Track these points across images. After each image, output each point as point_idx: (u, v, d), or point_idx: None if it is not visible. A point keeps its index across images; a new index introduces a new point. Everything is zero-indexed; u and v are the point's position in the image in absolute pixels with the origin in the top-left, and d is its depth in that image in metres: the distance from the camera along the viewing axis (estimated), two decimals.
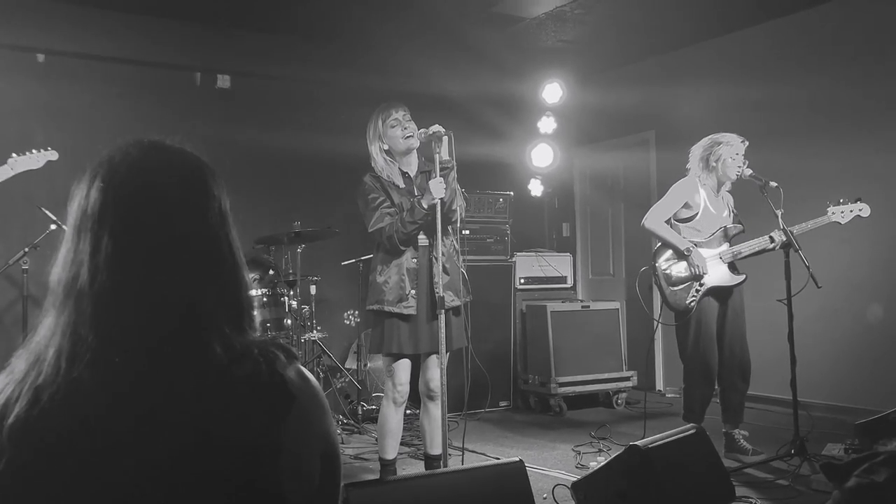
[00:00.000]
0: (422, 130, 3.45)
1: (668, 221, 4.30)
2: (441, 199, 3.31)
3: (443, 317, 3.31)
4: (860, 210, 4.09)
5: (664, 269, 4.24)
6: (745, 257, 4.21)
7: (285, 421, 0.95)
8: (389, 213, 3.44)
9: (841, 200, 4.10)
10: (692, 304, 4.14)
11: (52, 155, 4.30)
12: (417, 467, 4.17)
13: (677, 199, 4.26)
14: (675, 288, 4.20)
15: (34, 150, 4.28)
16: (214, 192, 1.05)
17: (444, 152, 3.36)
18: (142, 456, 0.89)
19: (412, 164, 3.59)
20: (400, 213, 3.43)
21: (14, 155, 4.21)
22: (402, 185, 3.52)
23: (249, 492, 0.92)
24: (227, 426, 0.92)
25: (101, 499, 0.89)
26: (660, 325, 4.99)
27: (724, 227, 4.24)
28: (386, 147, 3.51)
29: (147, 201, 0.99)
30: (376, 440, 4.82)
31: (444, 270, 3.43)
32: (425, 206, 3.34)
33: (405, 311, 3.42)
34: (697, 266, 4.12)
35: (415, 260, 3.47)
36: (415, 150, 3.56)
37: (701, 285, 4.14)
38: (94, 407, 0.91)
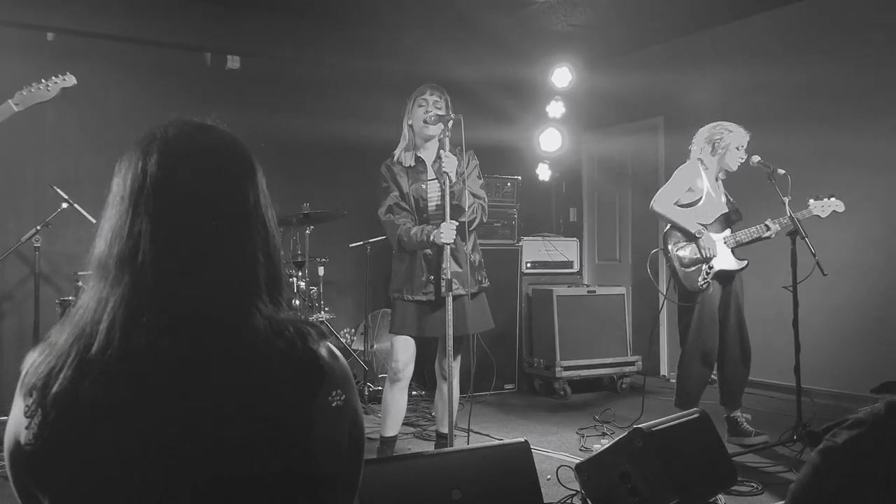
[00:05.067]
0: (432, 113, 3.49)
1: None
2: (447, 243, 3.41)
3: (450, 301, 3.36)
4: (836, 206, 4.21)
5: (676, 252, 4.23)
6: (744, 244, 4.26)
7: (317, 395, 1.00)
8: (395, 203, 3.58)
9: (818, 196, 4.23)
10: (704, 285, 4.16)
11: (68, 80, 3.74)
12: (423, 447, 4.22)
13: (682, 184, 4.27)
14: (688, 269, 4.21)
15: (44, 80, 3.74)
16: (256, 172, 1.09)
17: (446, 144, 3.43)
18: (184, 425, 0.93)
19: (430, 150, 3.65)
20: (407, 203, 3.56)
21: (22, 92, 3.68)
22: (410, 165, 3.62)
23: (284, 461, 0.95)
24: (264, 398, 0.95)
25: (143, 465, 0.92)
26: (664, 308, 5.01)
27: (726, 212, 4.26)
28: (410, 123, 3.62)
29: (196, 179, 1.03)
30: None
31: (456, 261, 3.56)
32: (429, 242, 3.45)
33: (423, 298, 3.55)
34: (707, 248, 4.14)
35: (429, 250, 3.56)
36: (433, 137, 3.60)
37: (710, 268, 4.17)
38: (144, 378, 0.93)
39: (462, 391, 5.09)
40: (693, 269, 4.20)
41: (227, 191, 1.04)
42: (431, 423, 4.79)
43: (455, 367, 3.58)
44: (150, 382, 0.94)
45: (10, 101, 3.58)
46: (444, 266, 3.44)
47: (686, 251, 4.21)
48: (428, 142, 3.64)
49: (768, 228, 4.19)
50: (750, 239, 4.23)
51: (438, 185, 3.59)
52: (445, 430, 3.64)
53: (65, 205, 4.49)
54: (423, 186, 3.60)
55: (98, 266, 1.01)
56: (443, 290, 3.41)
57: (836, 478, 1.25)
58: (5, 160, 5.14)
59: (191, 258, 0.99)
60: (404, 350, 3.59)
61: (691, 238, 4.20)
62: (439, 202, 3.57)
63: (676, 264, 4.22)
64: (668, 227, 4.33)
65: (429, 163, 3.65)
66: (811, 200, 4.21)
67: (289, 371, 0.98)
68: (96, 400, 0.92)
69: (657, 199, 4.28)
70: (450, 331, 3.39)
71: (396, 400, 3.64)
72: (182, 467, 0.92)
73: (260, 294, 1.02)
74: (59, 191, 4.50)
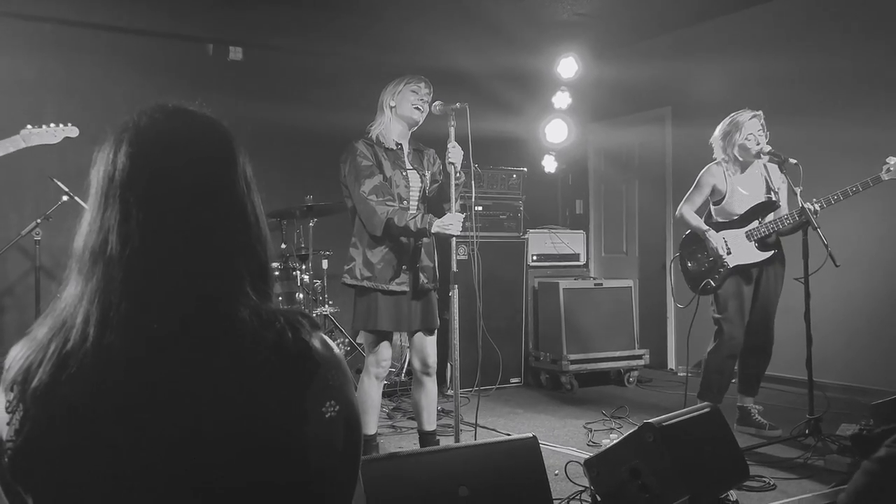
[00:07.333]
0: (438, 103, 3.44)
1: (703, 207, 4.36)
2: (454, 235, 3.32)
3: (455, 294, 3.33)
4: None
5: (690, 252, 4.35)
6: (783, 234, 4.16)
7: (310, 387, 0.95)
8: (381, 184, 3.42)
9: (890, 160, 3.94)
10: (718, 283, 4.18)
11: (72, 131, 3.97)
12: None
13: (704, 187, 4.30)
14: (702, 269, 4.28)
15: (52, 124, 3.99)
16: (239, 158, 1.04)
17: (452, 136, 3.37)
18: (168, 420, 0.89)
19: (404, 137, 3.59)
20: (392, 189, 3.43)
21: (29, 126, 3.94)
22: (391, 147, 3.52)
23: (275, 457, 0.92)
24: (253, 392, 0.92)
25: (126, 462, 0.88)
26: (672, 302, 4.94)
27: (758, 203, 4.20)
28: (393, 104, 3.52)
29: (176, 167, 0.99)
30: (388, 415, 4.86)
31: (429, 256, 3.54)
32: (430, 232, 3.33)
33: (398, 289, 3.44)
34: (715, 248, 4.16)
35: (404, 239, 3.47)
36: (417, 124, 3.55)
37: (723, 266, 4.17)
38: (124, 372, 0.90)
39: (468, 385, 5.06)
40: (705, 268, 4.26)
41: (199, 179, 0.99)
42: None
43: (435, 361, 3.54)
44: (126, 380, 0.90)
45: (21, 132, 3.82)
46: (420, 262, 3.47)
47: (702, 251, 4.29)
48: (411, 128, 3.57)
49: (803, 212, 3.94)
50: (783, 228, 4.11)
51: (418, 175, 3.55)
52: (428, 427, 3.59)
53: (65, 198, 4.46)
54: (404, 174, 3.50)
55: (76, 260, 0.98)
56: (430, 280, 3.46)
57: None
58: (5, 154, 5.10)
59: (160, 250, 0.95)
60: (387, 348, 3.51)
61: (700, 239, 4.27)
62: (420, 193, 3.55)
63: (689, 265, 4.35)
64: (688, 231, 4.41)
65: (406, 149, 3.57)
66: (892, 160, 3.91)
67: (279, 363, 0.94)
68: (74, 397, 0.89)
69: (680, 207, 4.39)
70: (455, 324, 3.35)
71: (376, 396, 3.56)
72: (164, 467, 0.88)
73: (243, 285, 0.98)
74: (59, 183, 4.46)
